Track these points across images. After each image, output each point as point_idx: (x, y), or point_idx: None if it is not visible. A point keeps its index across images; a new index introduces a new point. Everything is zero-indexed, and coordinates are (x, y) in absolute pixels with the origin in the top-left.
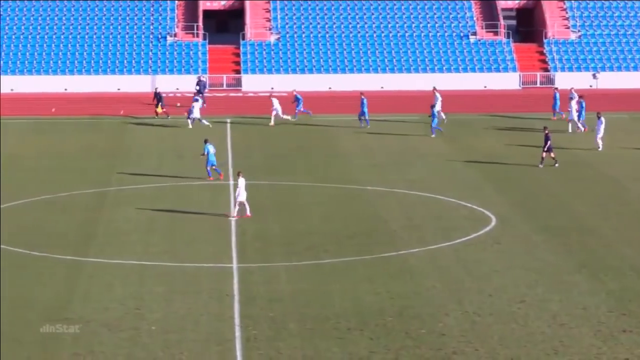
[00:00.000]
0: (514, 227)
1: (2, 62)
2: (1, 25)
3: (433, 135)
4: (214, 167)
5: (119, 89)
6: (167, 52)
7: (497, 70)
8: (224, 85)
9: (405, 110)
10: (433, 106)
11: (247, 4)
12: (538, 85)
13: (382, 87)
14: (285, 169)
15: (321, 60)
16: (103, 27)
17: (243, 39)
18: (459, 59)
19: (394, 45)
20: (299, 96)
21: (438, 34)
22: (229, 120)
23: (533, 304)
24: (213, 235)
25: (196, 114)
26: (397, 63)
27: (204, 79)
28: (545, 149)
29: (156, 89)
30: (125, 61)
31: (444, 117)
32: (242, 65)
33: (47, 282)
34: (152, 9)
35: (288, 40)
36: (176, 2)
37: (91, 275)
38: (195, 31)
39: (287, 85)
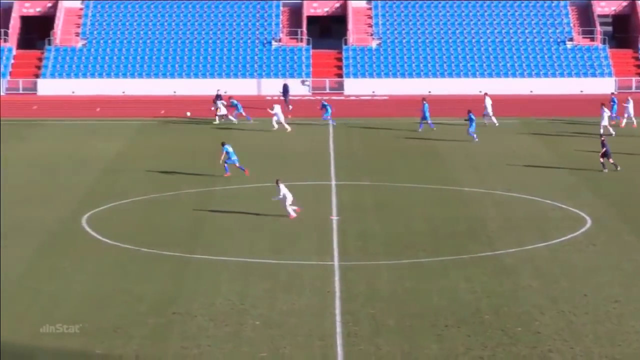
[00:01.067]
0: (609, 229)
1: (114, 66)
2: (113, 31)
3: (476, 140)
4: (236, 164)
5: (225, 92)
6: (272, 57)
7: (594, 75)
8: (327, 89)
9: (503, 113)
10: (470, 111)
11: (350, 10)
12: (633, 90)
13: (480, 91)
14: (386, 170)
15: (421, 64)
16: (210, 32)
17: (345, 43)
18: (555, 64)
19: (492, 51)
20: (325, 103)
21: (535, 40)
22: (331, 123)
23: (628, 303)
24: (315, 234)
25: (223, 111)
26: (495, 68)
27: (288, 85)
28: (602, 155)
29: (218, 90)
30: (231, 65)
31: (495, 121)
32: (344, 69)
33: (155, 278)
34: (257, 14)
35: (389, 45)
36: (281, 8)
37: (198, 271)
38: (299, 36)
39: (388, 89)
